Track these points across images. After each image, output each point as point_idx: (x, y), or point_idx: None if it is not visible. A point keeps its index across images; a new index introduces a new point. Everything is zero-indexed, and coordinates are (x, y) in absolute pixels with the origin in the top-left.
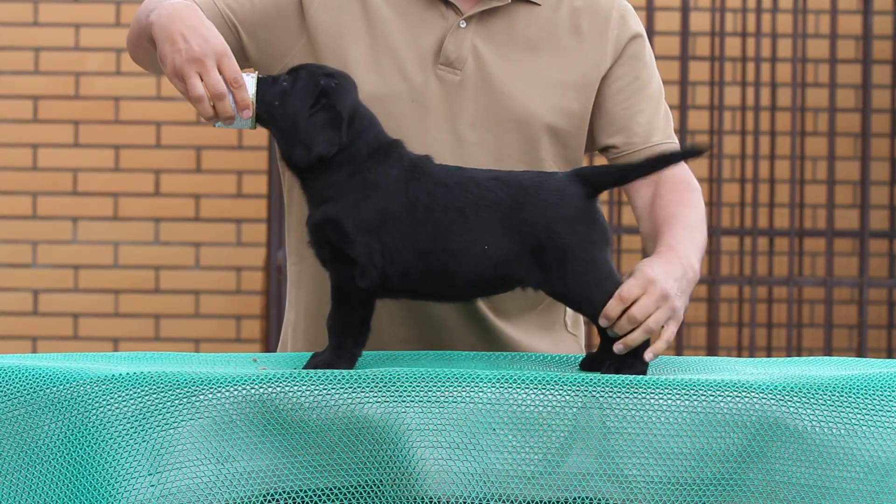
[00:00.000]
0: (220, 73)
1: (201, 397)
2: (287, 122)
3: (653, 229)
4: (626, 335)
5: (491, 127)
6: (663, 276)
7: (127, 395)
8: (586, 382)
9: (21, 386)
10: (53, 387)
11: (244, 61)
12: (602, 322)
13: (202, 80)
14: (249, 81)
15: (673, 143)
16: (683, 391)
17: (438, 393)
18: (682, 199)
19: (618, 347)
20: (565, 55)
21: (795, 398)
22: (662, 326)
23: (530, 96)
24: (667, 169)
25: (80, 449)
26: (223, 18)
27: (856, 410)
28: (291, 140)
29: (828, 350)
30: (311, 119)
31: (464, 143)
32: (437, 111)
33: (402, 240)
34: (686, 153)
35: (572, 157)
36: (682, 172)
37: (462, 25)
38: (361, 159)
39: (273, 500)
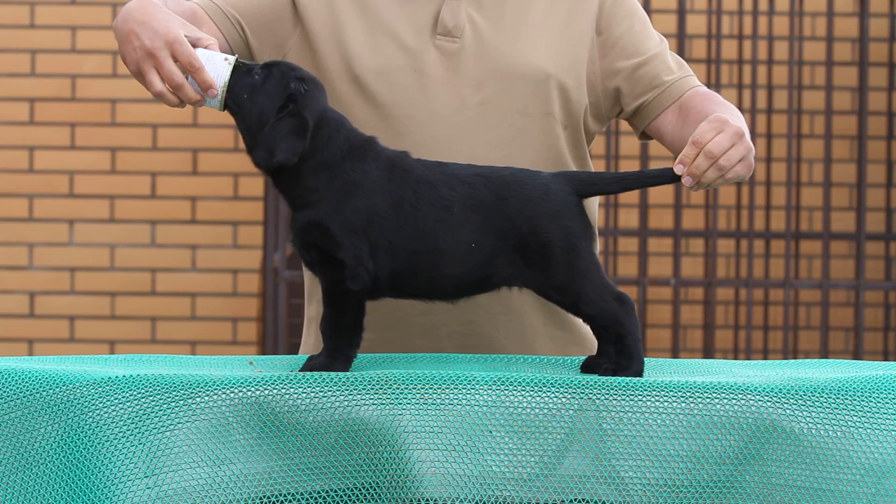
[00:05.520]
0: (176, 60)
1: (197, 400)
2: (253, 119)
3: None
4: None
5: (495, 85)
6: (733, 118)
7: (123, 397)
8: (582, 385)
9: (17, 389)
10: (50, 389)
11: (249, 57)
12: (678, 168)
13: (158, 72)
14: (226, 66)
15: (691, 76)
16: (680, 393)
17: (435, 395)
18: (715, 101)
19: (686, 180)
20: (554, 10)
21: (792, 400)
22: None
23: (529, 51)
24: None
25: (77, 452)
26: (227, 17)
27: (852, 413)
28: (255, 138)
29: (824, 352)
30: (276, 123)
31: (468, 105)
32: (438, 78)
33: (391, 240)
34: (664, 178)
35: (575, 117)
36: (707, 90)
37: None
38: (337, 162)
39: (269, 502)
